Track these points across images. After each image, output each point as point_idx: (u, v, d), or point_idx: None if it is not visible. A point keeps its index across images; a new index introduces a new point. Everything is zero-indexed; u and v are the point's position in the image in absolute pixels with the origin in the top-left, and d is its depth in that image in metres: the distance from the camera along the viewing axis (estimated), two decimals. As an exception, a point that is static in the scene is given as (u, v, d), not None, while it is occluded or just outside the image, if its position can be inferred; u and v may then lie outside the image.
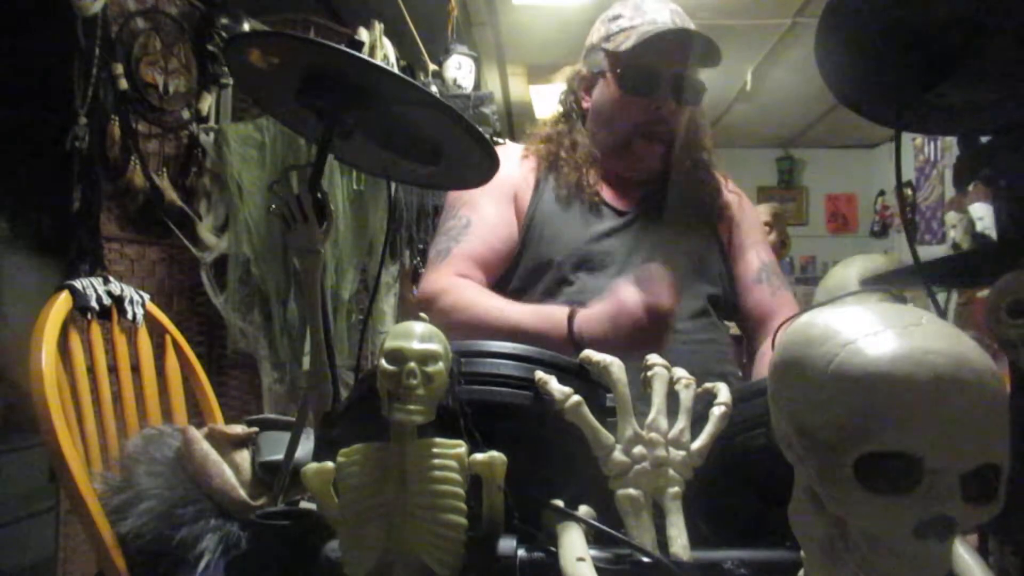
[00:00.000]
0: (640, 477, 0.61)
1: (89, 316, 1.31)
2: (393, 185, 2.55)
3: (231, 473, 0.94)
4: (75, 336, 1.27)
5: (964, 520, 0.44)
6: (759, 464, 0.63)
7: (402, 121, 0.87)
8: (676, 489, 0.62)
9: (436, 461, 0.57)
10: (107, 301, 1.34)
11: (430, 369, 0.57)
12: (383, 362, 0.57)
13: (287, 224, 0.83)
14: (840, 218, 7.46)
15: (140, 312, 1.41)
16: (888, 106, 0.77)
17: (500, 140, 3.21)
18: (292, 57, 0.83)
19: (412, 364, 0.57)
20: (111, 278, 1.39)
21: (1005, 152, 0.92)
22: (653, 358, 0.69)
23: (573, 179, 1.39)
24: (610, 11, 1.42)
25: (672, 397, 0.66)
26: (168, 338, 1.46)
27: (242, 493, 0.92)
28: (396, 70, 1.56)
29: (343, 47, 0.79)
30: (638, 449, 0.62)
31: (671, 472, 0.62)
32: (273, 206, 0.84)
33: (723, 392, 0.67)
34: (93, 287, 1.32)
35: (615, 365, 0.66)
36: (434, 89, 3.08)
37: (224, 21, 2.83)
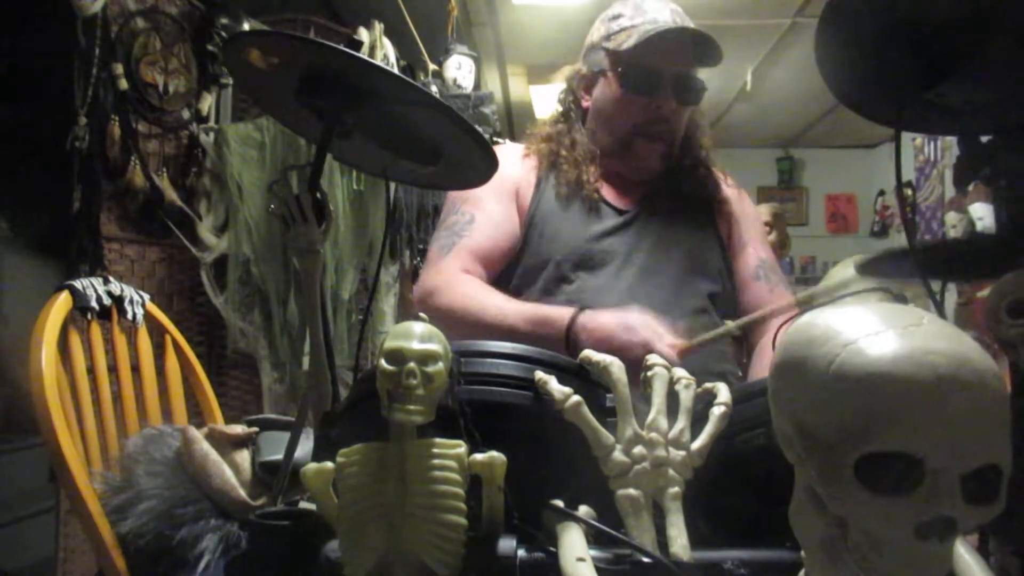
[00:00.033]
0: (640, 477, 0.61)
1: (89, 316, 1.31)
2: (393, 185, 2.56)
3: (231, 473, 0.94)
4: (75, 336, 1.27)
5: (965, 520, 0.44)
6: (759, 464, 0.63)
7: (402, 121, 0.87)
8: (676, 489, 0.62)
9: (436, 461, 0.57)
10: (107, 301, 1.34)
11: (430, 369, 0.57)
12: (383, 362, 0.57)
13: (287, 224, 0.83)
14: (840, 218, 7.45)
15: (140, 312, 1.41)
16: (888, 106, 0.77)
17: (500, 140, 3.21)
18: (292, 57, 0.83)
19: (412, 364, 0.56)
20: (111, 278, 1.39)
21: (1005, 152, 0.92)
22: (653, 358, 0.69)
23: (573, 178, 1.39)
24: (610, 10, 1.42)
25: (672, 397, 0.66)
26: (168, 338, 1.46)
27: (242, 493, 0.92)
28: (396, 70, 1.56)
29: (343, 47, 0.79)
30: (638, 449, 0.62)
31: (671, 472, 0.62)
32: (273, 206, 0.84)
33: (723, 392, 0.67)
34: (93, 287, 1.32)
35: (615, 365, 0.66)
36: (434, 89, 3.09)
37: (224, 21, 2.82)
